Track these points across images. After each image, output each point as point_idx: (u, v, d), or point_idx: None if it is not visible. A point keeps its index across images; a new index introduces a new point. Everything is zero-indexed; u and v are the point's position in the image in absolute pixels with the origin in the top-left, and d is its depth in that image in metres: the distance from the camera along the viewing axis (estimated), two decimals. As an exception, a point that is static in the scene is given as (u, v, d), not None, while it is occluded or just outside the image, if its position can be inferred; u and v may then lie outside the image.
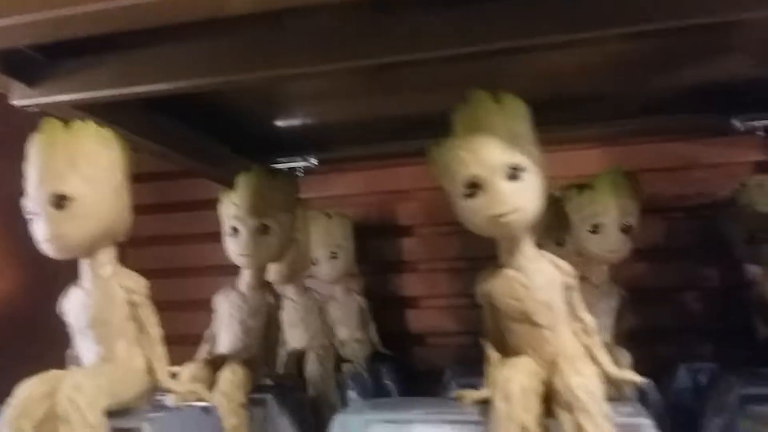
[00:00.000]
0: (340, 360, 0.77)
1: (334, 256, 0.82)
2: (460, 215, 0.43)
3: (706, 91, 0.70)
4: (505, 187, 0.40)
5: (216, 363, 0.58)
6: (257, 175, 0.61)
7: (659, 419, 0.59)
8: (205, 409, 0.50)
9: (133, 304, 0.48)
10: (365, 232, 0.87)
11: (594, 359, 0.42)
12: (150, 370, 0.48)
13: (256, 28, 0.46)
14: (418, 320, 0.91)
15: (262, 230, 0.60)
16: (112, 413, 0.43)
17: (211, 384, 0.56)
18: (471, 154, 0.41)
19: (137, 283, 0.48)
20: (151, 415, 0.46)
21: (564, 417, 0.37)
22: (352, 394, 0.73)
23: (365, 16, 0.44)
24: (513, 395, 0.38)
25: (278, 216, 0.60)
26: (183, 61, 0.49)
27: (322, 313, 0.75)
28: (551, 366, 0.40)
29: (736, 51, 0.60)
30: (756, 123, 0.74)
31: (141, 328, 0.48)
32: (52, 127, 0.46)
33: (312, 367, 0.67)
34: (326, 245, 0.81)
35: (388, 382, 0.82)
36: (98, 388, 0.43)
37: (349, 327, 0.83)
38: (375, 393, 0.77)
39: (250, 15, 0.39)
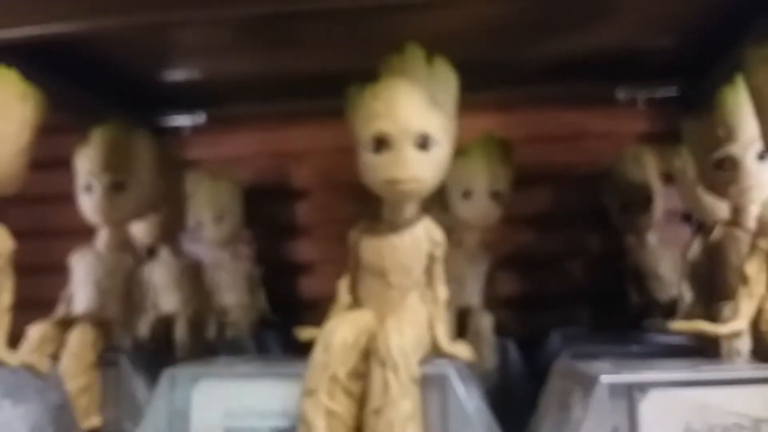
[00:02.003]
0: (222, 326, 0.75)
1: (219, 219, 0.79)
2: (360, 166, 0.42)
3: (591, 60, 0.70)
4: (412, 154, 0.40)
5: (69, 323, 0.56)
6: (114, 128, 0.58)
7: (520, 380, 0.61)
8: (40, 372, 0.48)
9: None
10: (257, 195, 0.84)
11: (431, 328, 0.43)
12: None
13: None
14: (311, 286, 0.90)
15: (118, 187, 0.57)
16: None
17: (61, 345, 0.55)
18: (387, 110, 0.40)
19: (2, 244, 0.45)
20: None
21: (376, 371, 0.37)
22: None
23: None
24: (332, 347, 0.38)
25: (136, 172, 0.58)
26: (55, 3, 0.47)
27: (199, 277, 0.73)
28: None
29: (618, 19, 0.60)
30: (637, 94, 0.75)
31: None
32: None
33: (181, 331, 0.65)
34: (211, 208, 0.79)
35: (274, 349, 0.80)
36: None
37: (235, 292, 0.81)
38: (259, 359, 0.76)
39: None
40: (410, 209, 0.43)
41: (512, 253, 0.77)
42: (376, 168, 0.41)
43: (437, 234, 0.43)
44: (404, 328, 0.38)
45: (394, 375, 0.36)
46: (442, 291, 0.44)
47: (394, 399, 0.35)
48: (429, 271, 0.43)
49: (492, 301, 0.65)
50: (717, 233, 0.50)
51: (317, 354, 0.39)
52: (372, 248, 0.43)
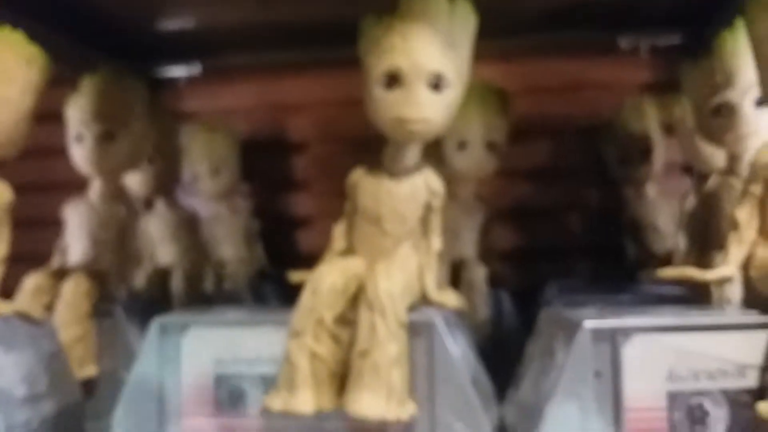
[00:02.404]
0: (219, 279, 0.76)
1: (216, 171, 0.79)
2: (367, 101, 0.41)
3: (592, 8, 0.69)
4: (424, 93, 0.39)
5: (63, 274, 0.56)
6: (104, 77, 0.57)
7: (514, 331, 0.61)
8: (33, 321, 0.48)
9: None
10: (254, 148, 0.84)
11: (421, 277, 0.42)
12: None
13: None
14: (309, 240, 0.89)
15: (109, 136, 0.57)
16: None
17: (55, 295, 0.55)
18: (403, 45, 0.39)
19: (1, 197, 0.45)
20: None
21: (363, 314, 0.37)
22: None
23: None
24: (320, 291, 0.38)
25: (127, 122, 0.57)
26: None
27: (195, 230, 0.73)
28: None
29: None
30: (640, 42, 0.74)
31: None
32: None
33: (177, 284, 0.66)
34: (207, 160, 0.78)
35: (271, 302, 0.81)
36: None
37: (232, 246, 0.81)
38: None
39: None
40: (412, 154, 0.42)
41: (509, 205, 0.76)
42: (385, 105, 0.39)
43: (437, 184, 0.43)
44: (393, 273, 0.38)
45: (382, 318, 0.36)
46: (436, 242, 0.43)
47: (380, 342, 0.35)
48: (425, 222, 0.43)
49: (487, 253, 0.64)
50: (713, 182, 0.49)
51: (305, 297, 0.38)
52: (369, 193, 0.42)
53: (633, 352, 0.33)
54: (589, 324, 0.34)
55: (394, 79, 0.39)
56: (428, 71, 0.39)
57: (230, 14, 0.68)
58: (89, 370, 0.54)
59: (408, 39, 0.39)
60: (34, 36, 0.63)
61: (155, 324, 0.43)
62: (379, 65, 0.39)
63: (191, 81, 0.83)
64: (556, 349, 0.35)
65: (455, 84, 0.40)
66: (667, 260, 0.61)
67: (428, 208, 0.43)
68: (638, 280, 0.62)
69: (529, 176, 0.80)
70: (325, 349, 0.37)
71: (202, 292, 0.70)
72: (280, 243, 0.86)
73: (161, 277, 0.67)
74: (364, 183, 0.43)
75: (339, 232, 0.45)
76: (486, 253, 0.64)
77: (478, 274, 0.58)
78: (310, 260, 0.87)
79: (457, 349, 0.37)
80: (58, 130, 0.61)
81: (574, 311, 0.37)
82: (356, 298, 0.39)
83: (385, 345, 0.35)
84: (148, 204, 0.71)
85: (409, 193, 0.42)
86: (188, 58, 0.82)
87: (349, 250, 0.44)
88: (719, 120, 0.46)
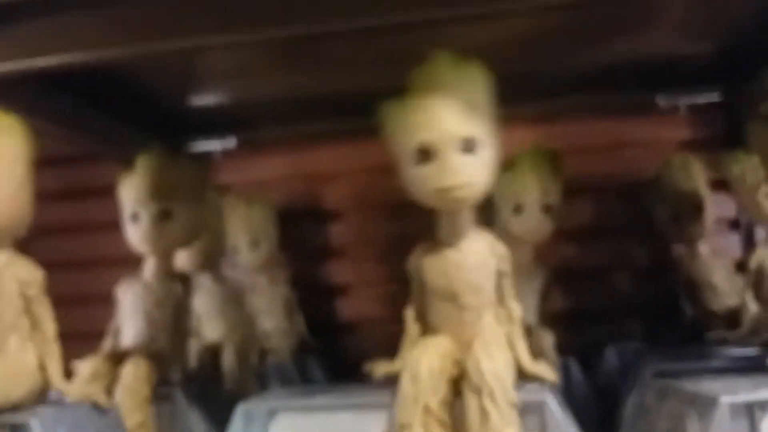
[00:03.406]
0: (263, 352, 0.74)
1: (255, 243, 0.78)
2: (406, 182, 0.41)
3: (630, 69, 0.70)
4: (458, 159, 0.39)
5: (119, 357, 0.54)
6: (159, 156, 0.57)
7: (583, 399, 0.59)
8: (100, 408, 0.46)
9: (26, 298, 0.44)
10: (289, 218, 0.83)
11: (512, 348, 0.41)
12: (42, 369, 0.45)
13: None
14: (347, 309, 0.88)
15: (165, 215, 0.56)
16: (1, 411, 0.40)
17: (113, 379, 0.53)
18: (426, 120, 0.39)
19: (32, 275, 0.45)
20: (40, 410, 0.42)
21: (471, 399, 0.35)
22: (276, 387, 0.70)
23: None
24: (420, 376, 0.37)
25: (182, 200, 0.57)
26: (84, 31, 0.45)
27: (241, 303, 0.71)
28: (467, 348, 0.39)
29: (657, 26, 0.59)
30: (679, 100, 0.74)
31: (35, 323, 0.45)
32: None
33: (229, 360, 0.64)
34: (247, 232, 0.77)
35: (316, 374, 0.79)
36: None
37: (274, 317, 0.79)
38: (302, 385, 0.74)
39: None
40: (466, 220, 0.42)
41: (559, 267, 0.75)
42: (423, 179, 0.39)
43: (501, 248, 0.42)
44: (493, 351, 0.37)
45: (492, 402, 0.34)
46: (516, 307, 0.42)
47: (495, 427, 0.33)
48: (499, 288, 0.42)
49: (547, 318, 0.63)
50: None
51: (405, 386, 0.37)
52: (437, 270, 0.42)
53: None
54: (726, 399, 0.32)
55: (425, 154, 0.39)
56: (457, 137, 0.39)
57: (262, 89, 0.69)
58: (151, 458, 0.52)
59: (428, 113, 0.39)
60: (75, 114, 0.64)
61: (241, 410, 0.41)
62: (408, 144, 0.40)
63: (226, 154, 0.83)
64: (687, 426, 0.33)
65: (486, 142, 0.40)
66: (731, 319, 0.60)
67: (499, 274, 0.42)
68: (704, 342, 0.60)
69: (575, 237, 0.79)
70: (436, 437, 0.35)
71: (251, 367, 0.68)
72: (317, 312, 0.84)
73: (211, 354, 0.65)
74: (428, 261, 0.42)
75: (411, 316, 0.44)
76: (545, 318, 0.63)
77: (547, 341, 0.57)
78: (347, 329, 0.87)
79: (569, 429, 0.36)
80: (99, 207, 0.61)
81: (696, 384, 0.35)
82: (454, 379, 0.38)
83: (501, 430, 0.34)
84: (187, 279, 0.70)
85: (477, 262, 0.42)
86: (223, 132, 0.82)
87: (427, 331, 0.42)
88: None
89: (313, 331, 0.82)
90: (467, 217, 0.42)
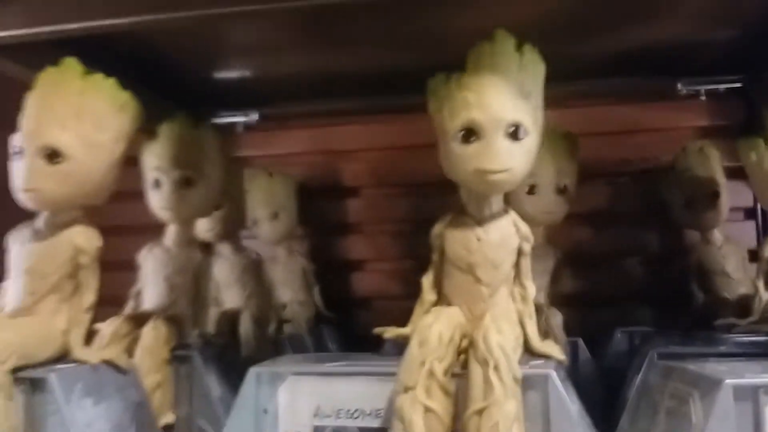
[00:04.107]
0: (280, 322, 0.76)
1: (275, 216, 0.80)
2: (445, 158, 0.41)
3: (650, 54, 0.69)
4: (503, 143, 0.39)
5: (140, 319, 0.56)
6: (182, 125, 0.58)
7: (590, 380, 0.60)
8: (120, 370, 0.48)
9: (77, 265, 0.46)
10: (309, 193, 0.85)
11: (522, 326, 0.42)
12: (66, 334, 0.46)
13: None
14: (363, 283, 0.90)
15: (187, 182, 0.57)
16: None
17: (134, 340, 0.55)
18: (478, 99, 0.39)
19: (89, 243, 0.46)
20: (59, 366, 0.44)
21: (475, 370, 0.36)
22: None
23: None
24: (429, 342, 0.37)
25: (204, 168, 0.58)
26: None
27: (260, 273, 0.73)
28: (478, 322, 0.39)
29: (679, 11, 0.59)
30: (699, 87, 0.74)
31: (77, 289, 0.47)
32: (68, 69, 0.44)
33: (246, 327, 0.66)
34: (267, 205, 0.79)
35: (330, 345, 0.81)
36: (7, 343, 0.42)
37: (291, 289, 0.81)
38: (316, 355, 0.76)
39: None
40: (496, 202, 0.42)
41: (571, 250, 0.76)
42: (465, 159, 0.39)
43: (525, 228, 0.42)
44: (502, 325, 0.38)
45: (497, 374, 0.35)
46: (531, 287, 0.43)
47: (498, 399, 0.34)
48: (517, 267, 0.43)
49: (557, 299, 0.64)
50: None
51: (413, 349, 0.38)
52: (459, 242, 0.42)
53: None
54: (730, 381, 0.33)
55: (471, 133, 0.39)
56: (506, 122, 0.39)
57: (286, 65, 0.70)
58: (168, 418, 0.54)
59: (482, 92, 0.39)
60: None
61: (252, 373, 0.42)
62: (454, 121, 0.40)
63: (248, 128, 0.84)
64: (690, 407, 0.34)
65: (532, 131, 0.40)
66: (742, 307, 0.60)
67: (519, 253, 0.42)
68: (714, 329, 0.61)
69: (589, 221, 0.80)
70: (438, 403, 0.36)
71: (268, 335, 0.69)
72: (333, 286, 0.86)
73: (229, 320, 0.67)
74: (451, 232, 0.43)
75: (428, 283, 0.44)
76: (555, 299, 0.64)
77: (556, 320, 0.58)
78: (362, 303, 0.88)
79: (573, 404, 0.37)
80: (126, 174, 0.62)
81: (701, 367, 0.36)
82: (461, 349, 0.39)
83: (504, 403, 0.34)
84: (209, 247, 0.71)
85: (499, 239, 0.42)
86: (246, 107, 0.83)
87: (441, 301, 0.43)
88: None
89: (328, 303, 0.84)
90: (498, 199, 0.42)
